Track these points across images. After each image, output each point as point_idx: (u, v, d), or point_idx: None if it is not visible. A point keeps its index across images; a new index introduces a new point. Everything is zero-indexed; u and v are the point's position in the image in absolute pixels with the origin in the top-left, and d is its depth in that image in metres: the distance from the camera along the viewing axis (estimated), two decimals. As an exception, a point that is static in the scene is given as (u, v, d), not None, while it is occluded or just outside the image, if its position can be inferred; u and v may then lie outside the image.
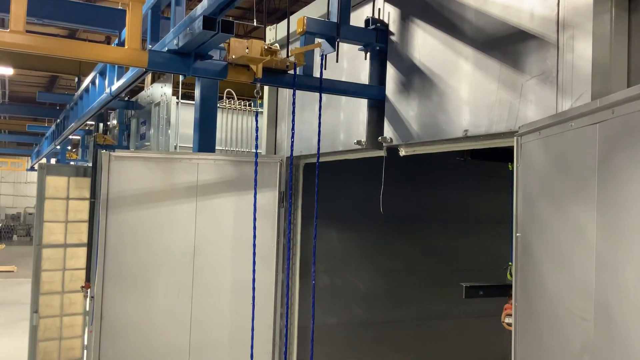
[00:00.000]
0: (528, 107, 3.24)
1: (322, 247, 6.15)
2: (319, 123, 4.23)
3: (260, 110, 6.65)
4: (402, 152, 4.33)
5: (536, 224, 2.78)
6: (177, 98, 8.32)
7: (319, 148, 4.27)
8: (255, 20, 10.04)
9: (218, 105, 6.68)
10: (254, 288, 4.33)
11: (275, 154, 6.20)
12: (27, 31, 3.43)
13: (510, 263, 4.90)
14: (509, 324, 4.76)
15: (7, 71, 12.86)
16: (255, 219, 4.36)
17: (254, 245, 4.37)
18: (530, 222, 2.84)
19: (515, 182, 2.99)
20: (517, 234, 2.93)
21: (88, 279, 9.18)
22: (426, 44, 4.05)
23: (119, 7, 5.59)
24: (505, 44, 3.43)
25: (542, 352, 2.69)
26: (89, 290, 9.07)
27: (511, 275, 4.98)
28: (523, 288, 2.89)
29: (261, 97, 4.50)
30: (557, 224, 2.61)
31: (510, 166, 5.11)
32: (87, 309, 9.77)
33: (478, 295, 5.11)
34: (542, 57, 3.20)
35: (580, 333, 2.38)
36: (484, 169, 6.30)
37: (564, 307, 2.49)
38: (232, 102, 8.74)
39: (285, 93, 6.14)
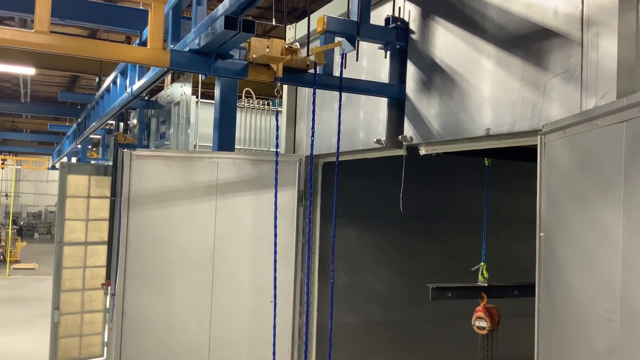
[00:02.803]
0: (552, 106, 3.20)
1: (340, 246, 6.14)
2: (339, 122, 4.22)
3: (279, 109, 6.67)
4: (423, 151, 4.31)
5: (560, 223, 2.75)
6: (197, 97, 8.37)
7: (338, 147, 4.27)
8: (274, 19, 10.06)
9: (237, 104, 6.70)
10: (275, 286, 4.34)
11: (294, 152, 6.21)
12: (51, 32, 3.48)
13: (482, 263, 4.83)
14: (480, 328, 4.69)
15: (29, 71, 13.03)
16: (275, 218, 4.37)
17: (275, 243, 4.38)
18: (554, 222, 2.81)
19: (539, 182, 2.95)
20: (540, 234, 2.90)
21: (108, 276, 9.30)
22: (447, 42, 4.03)
23: (140, 7, 5.64)
24: (528, 42, 3.40)
25: (566, 353, 2.66)
26: (109, 287, 9.19)
27: (483, 277, 4.90)
28: (546, 289, 2.86)
29: (281, 96, 4.52)
30: (582, 224, 2.57)
31: (487, 161, 5.03)
32: (107, 306, 9.89)
33: (447, 297, 5.01)
34: (566, 55, 3.16)
35: (606, 334, 2.34)
36: (506, 169, 6.25)
37: (589, 307, 2.46)
38: (250, 101, 8.77)
39: (304, 92, 6.14)
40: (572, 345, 2.62)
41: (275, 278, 4.36)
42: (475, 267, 4.92)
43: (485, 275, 4.88)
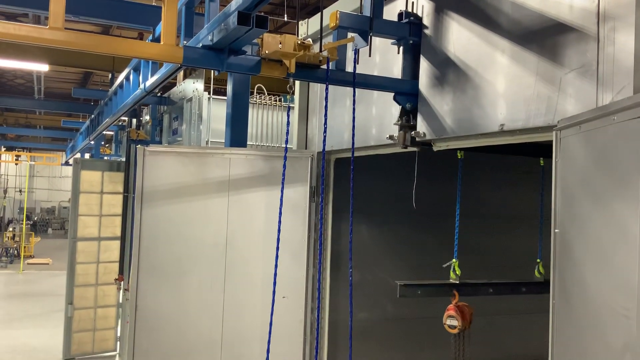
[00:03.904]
0: (567, 101, 3.17)
1: (353, 242, 6.14)
2: (353, 118, 4.21)
3: (291, 105, 6.67)
4: (436, 147, 4.29)
5: (576, 220, 2.73)
6: (209, 93, 8.39)
7: (353, 143, 4.26)
8: (285, 15, 10.05)
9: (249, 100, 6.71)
10: (274, 282, 4.36)
11: (306, 149, 6.21)
12: (65, 28, 3.50)
13: (454, 260, 4.66)
14: (451, 327, 4.55)
15: (42, 68, 13.14)
16: (280, 214, 4.36)
17: (278, 239, 4.39)
18: (569, 219, 2.78)
19: (554, 178, 2.93)
20: (556, 230, 2.88)
21: (121, 271, 9.36)
22: (461, 37, 4.00)
23: (153, 4, 5.66)
24: (543, 37, 3.37)
25: (582, 351, 2.64)
26: (122, 282, 9.25)
27: (455, 274, 4.72)
28: (561, 285, 2.84)
29: (293, 92, 4.51)
30: (598, 220, 2.55)
31: (459, 153, 4.94)
32: (120, 301, 9.96)
33: (416, 295, 4.83)
34: (581, 49, 3.13)
35: (622, 331, 2.32)
36: (519, 166, 6.21)
37: (606, 304, 2.44)
38: (262, 97, 8.78)
39: (316, 88, 6.14)
40: (587, 342, 2.60)
41: (275, 274, 4.37)
42: (447, 264, 4.70)
43: (457, 273, 4.69)
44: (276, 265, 4.42)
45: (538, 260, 5.24)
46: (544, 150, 4.80)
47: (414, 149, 4.45)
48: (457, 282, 4.69)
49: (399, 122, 4.34)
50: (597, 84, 3.02)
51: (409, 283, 4.86)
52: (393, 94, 4.59)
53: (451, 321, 4.53)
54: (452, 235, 4.84)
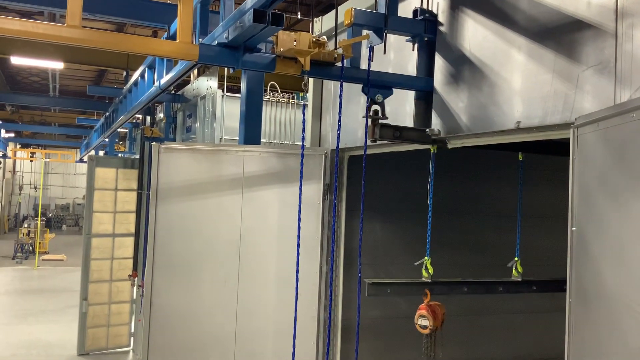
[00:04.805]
0: (584, 98, 3.15)
1: (366, 240, 6.13)
2: (367, 115, 4.20)
3: (306, 102, 6.67)
4: (450, 145, 4.27)
5: (593, 218, 2.71)
6: (222, 91, 8.41)
7: (366, 140, 4.25)
8: (299, 12, 10.05)
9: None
10: (297, 279, 4.35)
11: (319, 146, 6.21)
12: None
13: (426, 258, 4.47)
14: (422, 327, 4.29)
15: (57, 65, 13.25)
16: (300, 211, 4.38)
17: (298, 236, 4.39)
18: (587, 217, 2.76)
19: (571, 175, 2.91)
20: (573, 228, 2.86)
21: (135, 267, 9.43)
22: (477, 34, 3.98)
23: (168, 2, 5.69)
24: (561, 34, 3.34)
25: (599, 350, 2.62)
26: (135, 278, 9.33)
27: (427, 272, 4.47)
28: (578, 284, 2.82)
29: (306, 90, 4.52)
30: (616, 218, 2.53)
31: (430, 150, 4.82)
32: (134, 297, 10.04)
33: (385, 293, 4.65)
34: (599, 46, 3.11)
35: (641, 330, 2.31)
36: (534, 163, 6.16)
37: (624, 303, 2.42)
38: (275, 95, 8.79)
39: (330, 85, 6.13)
40: (605, 341, 2.59)
41: (297, 271, 4.38)
42: (419, 262, 4.49)
43: (430, 271, 4.48)
44: (298, 262, 4.42)
45: (516, 258, 5.08)
46: (558, 147, 4.75)
47: (429, 146, 4.43)
48: (429, 280, 4.51)
49: (368, 116, 4.17)
50: (615, 81, 2.99)
51: (378, 282, 4.73)
52: (408, 91, 4.58)
53: (422, 321, 4.33)
54: (468, 233, 4.81)
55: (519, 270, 5.14)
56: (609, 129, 2.64)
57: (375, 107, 4.15)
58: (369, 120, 4.18)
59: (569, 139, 2.97)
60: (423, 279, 4.53)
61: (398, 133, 4.32)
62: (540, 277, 5.49)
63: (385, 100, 5.01)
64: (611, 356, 2.52)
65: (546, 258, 5.91)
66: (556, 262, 4.85)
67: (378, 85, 4.19)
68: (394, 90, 4.82)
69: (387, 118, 4.19)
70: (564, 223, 2.90)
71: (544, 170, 6.74)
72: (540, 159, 5.69)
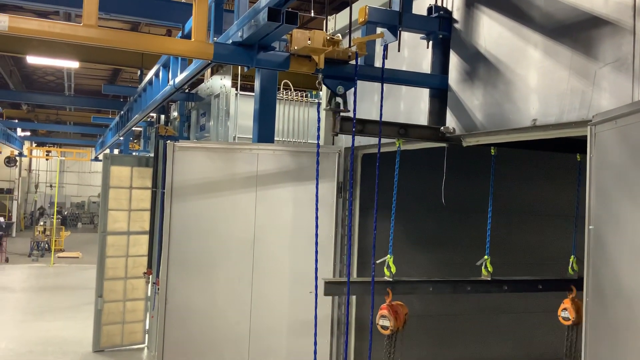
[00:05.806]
0: (602, 96, 3.12)
1: (379, 238, 6.13)
2: (380, 114, 4.19)
3: (319, 100, 6.67)
4: (465, 143, 4.25)
5: (611, 216, 2.68)
6: (236, 90, 8.44)
7: (379, 139, 4.24)
8: (312, 11, 10.05)
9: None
10: (316, 277, 4.34)
11: (333, 144, 6.20)
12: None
13: (389, 256, 4.26)
14: (383, 327, 4.14)
15: (73, 65, 13.37)
16: (317, 209, 4.38)
17: (316, 234, 4.38)
18: (604, 215, 2.74)
19: (588, 173, 2.88)
20: (590, 227, 2.83)
21: (150, 265, 9.49)
22: (492, 32, 3.96)
23: (183, 1, 5.72)
24: (577, 31, 3.31)
25: (616, 351, 2.59)
26: (150, 276, 9.39)
27: (389, 271, 4.32)
28: (595, 283, 2.80)
29: (320, 88, 4.51)
30: (634, 217, 2.50)
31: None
32: (149, 294, 10.11)
33: (342, 293, 4.46)
34: (617, 43, 3.08)
35: (659, 330, 2.28)
36: (548, 162, 6.12)
37: (642, 303, 2.40)
38: (289, 93, 8.80)
39: (343, 83, 6.12)
40: (622, 342, 2.56)
41: (316, 269, 4.36)
42: (381, 260, 4.36)
43: (392, 270, 4.36)
44: (316, 260, 4.38)
45: (486, 257, 4.86)
46: (573, 145, 4.70)
47: (443, 144, 4.42)
48: (391, 279, 4.39)
49: (328, 107, 4.07)
50: (633, 78, 2.96)
51: (334, 280, 4.62)
52: (422, 89, 4.56)
53: (383, 321, 4.19)
54: (482, 231, 4.77)
55: (489, 269, 4.85)
56: (627, 127, 2.61)
57: (338, 99, 4.03)
58: (330, 114, 4.05)
59: (583, 136, 2.95)
60: (385, 277, 4.37)
61: (403, 130, 4.28)
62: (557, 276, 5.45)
63: (400, 98, 5.00)
64: (629, 354, 2.50)
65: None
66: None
67: (392, 83, 4.17)
68: (407, 88, 4.81)
69: (349, 111, 4.06)
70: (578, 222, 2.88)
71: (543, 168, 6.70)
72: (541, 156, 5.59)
